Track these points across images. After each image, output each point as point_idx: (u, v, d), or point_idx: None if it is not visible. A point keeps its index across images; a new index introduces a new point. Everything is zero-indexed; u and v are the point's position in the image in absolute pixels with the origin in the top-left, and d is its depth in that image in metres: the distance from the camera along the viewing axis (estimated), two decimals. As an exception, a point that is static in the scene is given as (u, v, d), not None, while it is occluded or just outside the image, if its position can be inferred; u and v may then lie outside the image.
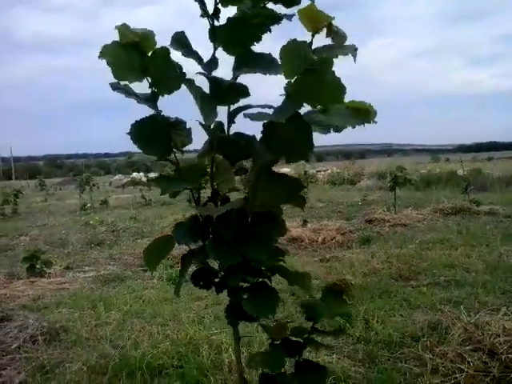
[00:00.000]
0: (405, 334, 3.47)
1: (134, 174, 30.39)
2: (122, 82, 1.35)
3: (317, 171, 22.85)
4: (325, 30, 1.21)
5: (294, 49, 1.19)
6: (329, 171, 23.96)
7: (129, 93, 1.34)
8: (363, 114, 1.33)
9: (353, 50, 1.22)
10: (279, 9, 1.47)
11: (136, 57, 1.32)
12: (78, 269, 6.60)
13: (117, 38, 1.32)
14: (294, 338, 1.61)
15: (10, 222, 12.27)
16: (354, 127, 1.34)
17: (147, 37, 1.34)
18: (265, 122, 1.29)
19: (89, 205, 14.60)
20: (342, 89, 1.17)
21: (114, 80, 1.35)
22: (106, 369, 3.13)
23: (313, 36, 1.23)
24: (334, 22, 1.21)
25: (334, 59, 1.24)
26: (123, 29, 1.30)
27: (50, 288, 5.51)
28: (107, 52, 1.29)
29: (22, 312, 4.36)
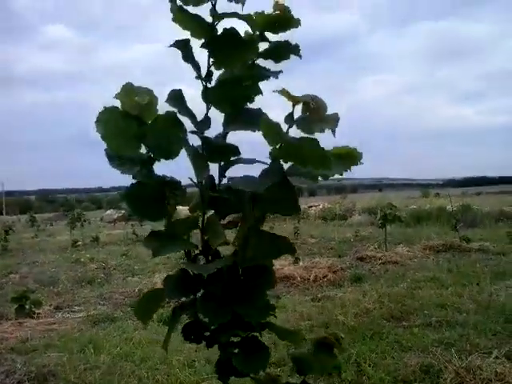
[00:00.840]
0: (397, 377, 3.45)
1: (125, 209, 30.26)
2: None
3: (309, 207, 22.94)
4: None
5: (269, 126, 1.25)
6: (320, 206, 24.05)
7: (124, 164, 1.35)
8: (349, 158, 1.39)
9: (334, 121, 1.27)
10: (269, 63, 1.54)
11: (134, 125, 1.33)
12: (68, 309, 6.53)
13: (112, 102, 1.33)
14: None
15: (0, 260, 12.14)
16: (341, 174, 1.39)
17: (150, 104, 1.36)
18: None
19: (80, 242, 14.50)
20: (327, 159, 1.22)
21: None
22: (95, 416, 3.08)
23: (293, 107, 1.30)
24: (312, 95, 1.27)
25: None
26: (124, 95, 1.32)
27: (38, 329, 5.44)
28: (103, 118, 1.30)
29: (9, 356, 4.29)
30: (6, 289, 8.13)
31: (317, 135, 1.30)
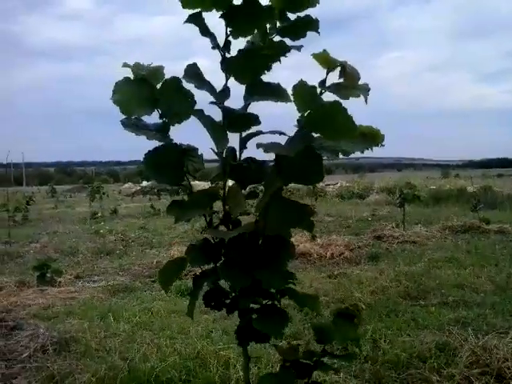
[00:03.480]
0: (412, 354, 3.47)
1: (144, 183, 30.53)
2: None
3: (326, 185, 22.85)
4: (338, 69, 1.26)
5: (303, 90, 1.24)
6: (338, 185, 23.96)
7: (139, 129, 1.38)
8: (371, 138, 1.38)
9: (365, 91, 1.26)
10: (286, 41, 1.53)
11: (145, 90, 1.38)
12: (88, 278, 6.66)
13: (124, 72, 1.38)
14: (304, 361, 1.64)
15: (21, 229, 12.39)
16: (362, 152, 1.39)
17: (156, 71, 1.40)
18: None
19: (99, 214, 14.70)
20: (354, 126, 1.21)
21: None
22: (115, 381, 3.17)
23: (327, 74, 1.28)
24: (348, 61, 1.26)
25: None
26: (134, 67, 1.38)
27: (60, 297, 5.57)
28: (119, 89, 1.35)
29: (32, 321, 4.42)
30: (28, 257, 8.31)
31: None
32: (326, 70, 1.28)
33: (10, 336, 4.01)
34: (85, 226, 12.69)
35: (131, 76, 1.39)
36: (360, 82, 1.29)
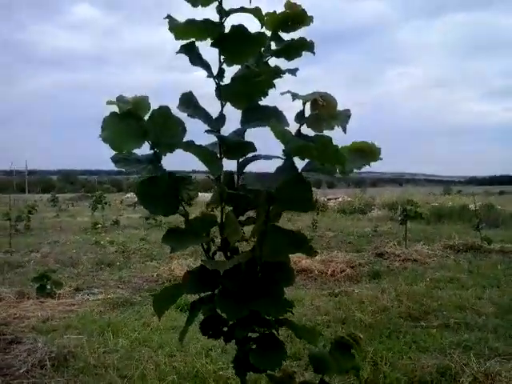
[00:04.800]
0: (413, 378, 3.44)
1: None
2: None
3: (328, 199, 22.83)
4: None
5: (279, 131, 1.25)
6: (339, 199, 23.92)
7: (130, 163, 1.37)
8: (367, 154, 1.37)
9: (345, 118, 1.26)
10: (282, 62, 1.54)
11: (133, 123, 1.36)
12: (88, 290, 6.63)
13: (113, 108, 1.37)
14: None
15: (22, 238, 12.37)
16: (359, 168, 1.39)
17: (141, 102, 1.38)
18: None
19: (100, 225, 14.67)
20: (341, 155, 1.21)
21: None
22: (113, 400, 3.14)
23: (303, 105, 1.29)
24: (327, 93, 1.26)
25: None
26: (118, 101, 1.36)
27: (59, 309, 5.54)
28: (107, 125, 1.34)
29: (31, 335, 4.39)
30: (28, 267, 8.29)
31: (335, 131, 1.30)
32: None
33: (7, 350, 3.98)
34: (86, 236, 12.67)
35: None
36: (343, 108, 1.30)
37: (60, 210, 23.69)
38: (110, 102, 1.36)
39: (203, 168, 1.47)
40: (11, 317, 5.11)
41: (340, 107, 1.33)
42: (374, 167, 1.41)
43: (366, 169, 1.40)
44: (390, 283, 6.54)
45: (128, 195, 34.67)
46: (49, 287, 6.20)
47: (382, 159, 1.39)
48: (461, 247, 9.60)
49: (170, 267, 7.77)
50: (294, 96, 1.30)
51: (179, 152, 1.42)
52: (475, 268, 7.65)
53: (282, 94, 1.31)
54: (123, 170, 1.36)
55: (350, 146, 1.36)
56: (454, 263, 8.26)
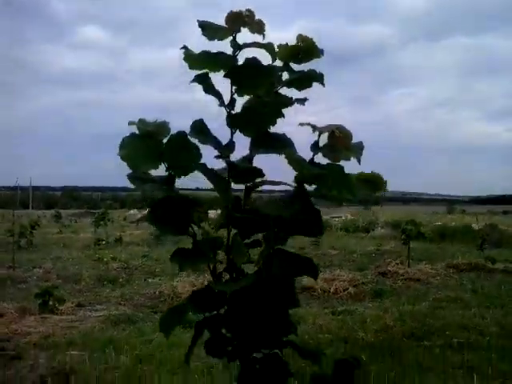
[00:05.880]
0: (416, 399, 3.41)
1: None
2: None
3: (331, 217, 22.81)
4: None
5: (293, 159, 1.28)
6: (343, 218, 23.90)
7: (145, 182, 1.41)
8: (374, 184, 1.40)
9: (359, 150, 1.30)
10: (291, 92, 1.58)
11: (151, 145, 1.40)
12: (90, 307, 6.62)
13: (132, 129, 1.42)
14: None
15: (25, 254, 12.38)
16: (366, 199, 1.42)
17: (161, 126, 1.43)
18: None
19: (103, 242, 14.68)
20: (352, 185, 1.24)
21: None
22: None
23: (318, 136, 1.33)
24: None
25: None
26: (139, 123, 1.41)
27: (61, 326, 5.54)
28: (126, 144, 1.38)
29: (33, 351, 4.38)
30: (30, 283, 8.29)
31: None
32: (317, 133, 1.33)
33: (9, 366, 3.98)
34: (88, 253, 12.67)
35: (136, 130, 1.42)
36: (355, 140, 1.33)
37: (63, 226, 23.71)
38: (131, 123, 1.41)
39: (207, 185, 1.50)
40: (13, 333, 5.11)
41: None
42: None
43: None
44: (392, 302, 6.52)
45: (131, 211, 34.72)
46: (51, 303, 6.20)
47: (388, 191, 1.43)
48: (464, 267, 9.57)
49: (173, 284, 7.76)
50: (314, 128, 1.34)
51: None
52: (479, 288, 7.61)
53: (301, 125, 1.35)
54: (137, 187, 1.40)
55: (357, 175, 1.39)
56: (457, 283, 8.23)
